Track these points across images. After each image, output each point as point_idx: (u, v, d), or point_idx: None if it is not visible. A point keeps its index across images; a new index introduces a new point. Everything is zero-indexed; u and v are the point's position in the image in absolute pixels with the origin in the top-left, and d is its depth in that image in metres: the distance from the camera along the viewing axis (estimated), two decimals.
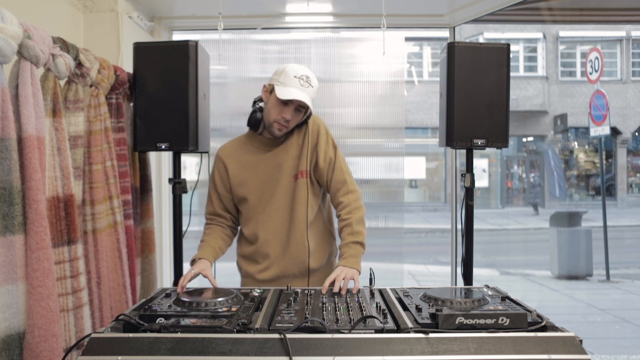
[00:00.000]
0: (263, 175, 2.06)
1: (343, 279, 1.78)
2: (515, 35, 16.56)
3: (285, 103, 1.95)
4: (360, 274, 1.88)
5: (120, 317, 1.37)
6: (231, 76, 3.46)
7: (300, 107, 1.97)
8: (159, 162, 3.25)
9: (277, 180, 2.05)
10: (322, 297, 1.63)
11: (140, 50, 2.28)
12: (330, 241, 2.15)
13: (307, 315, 1.40)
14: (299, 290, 1.71)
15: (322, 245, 2.10)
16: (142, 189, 2.47)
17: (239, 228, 2.20)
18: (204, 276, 1.93)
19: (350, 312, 1.46)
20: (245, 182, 2.07)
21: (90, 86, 2.03)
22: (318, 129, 2.06)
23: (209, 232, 2.11)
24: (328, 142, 2.06)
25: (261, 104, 2.06)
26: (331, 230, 2.17)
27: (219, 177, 2.11)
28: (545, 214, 14.56)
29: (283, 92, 1.93)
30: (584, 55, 16.50)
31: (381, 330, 1.29)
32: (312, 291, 1.72)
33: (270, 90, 2.01)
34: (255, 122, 2.04)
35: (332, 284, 1.77)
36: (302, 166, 2.04)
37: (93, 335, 1.24)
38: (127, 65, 2.47)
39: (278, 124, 1.99)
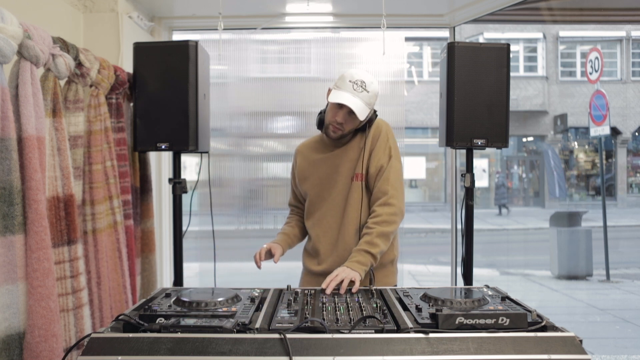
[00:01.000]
0: (322, 174, 2.13)
1: (343, 278, 1.78)
2: (515, 35, 16.56)
3: (339, 106, 2.01)
4: (362, 278, 1.87)
5: (120, 317, 1.37)
6: (231, 76, 3.46)
7: (354, 111, 1.98)
8: (159, 162, 3.25)
9: (335, 181, 2.11)
10: (322, 297, 1.63)
11: (140, 50, 2.28)
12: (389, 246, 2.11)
13: (307, 315, 1.40)
14: (299, 290, 1.71)
15: None
16: (142, 189, 2.47)
17: None
18: (272, 254, 2.06)
19: (350, 312, 1.46)
20: (308, 178, 2.17)
21: (90, 86, 2.03)
22: (379, 134, 2.09)
23: (288, 221, 2.28)
24: (385, 150, 2.08)
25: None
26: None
27: (292, 171, 2.27)
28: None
29: (333, 96, 2.00)
30: (584, 55, 16.50)
31: (381, 330, 1.29)
32: (312, 291, 1.72)
33: (329, 93, 2.07)
34: (320, 122, 2.13)
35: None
36: (359, 169, 2.08)
37: (93, 335, 1.24)
38: (127, 65, 2.47)
39: (332, 127, 2.05)
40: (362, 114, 1.99)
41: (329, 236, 2.11)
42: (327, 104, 2.11)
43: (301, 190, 2.21)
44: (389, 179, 2.04)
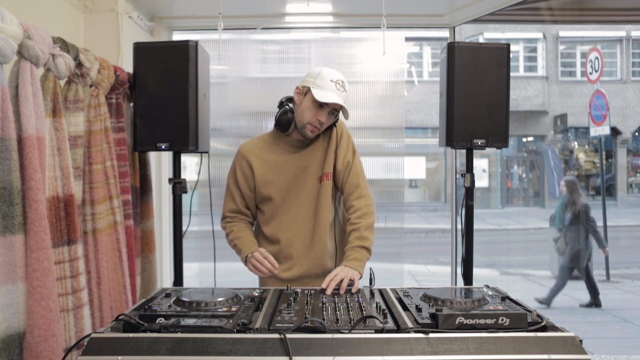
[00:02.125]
0: (289, 176, 2.09)
1: (342, 278, 1.78)
2: (515, 35, 16.55)
3: (321, 105, 1.99)
4: (361, 277, 1.88)
5: (120, 317, 1.37)
6: (231, 76, 3.46)
7: (334, 110, 2.01)
8: (159, 162, 3.25)
9: (303, 182, 2.08)
10: (322, 297, 1.63)
11: (140, 50, 2.28)
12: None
13: (307, 315, 1.40)
14: (299, 290, 1.71)
15: (343, 246, 2.11)
16: (142, 189, 2.47)
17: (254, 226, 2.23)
18: (263, 257, 2.00)
19: (350, 312, 1.46)
20: (271, 181, 2.09)
21: (90, 86, 2.03)
22: (342, 133, 2.11)
23: (239, 229, 2.11)
24: (348, 146, 2.10)
25: (291, 105, 2.08)
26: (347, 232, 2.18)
27: (241, 175, 2.12)
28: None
29: (321, 95, 1.96)
30: (584, 55, 16.49)
31: (381, 330, 1.29)
32: (312, 291, 1.71)
33: (304, 92, 2.04)
34: (286, 123, 2.06)
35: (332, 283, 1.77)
36: (328, 168, 2.08)
37: (93, 335, 1.24)
38: (127, 65, 2.47)
39: (312, 126, 2.02)
40: (347, 112, 2.03)
41: (302, 239, 2.07)
42: (282, 103, 2.09)
43: (261, 195, 2.09)
44: (358, 172, 2.09)
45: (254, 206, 2.16)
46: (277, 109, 2.12)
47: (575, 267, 6.05)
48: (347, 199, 2.08)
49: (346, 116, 2.04)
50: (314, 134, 2.05)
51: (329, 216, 2.07)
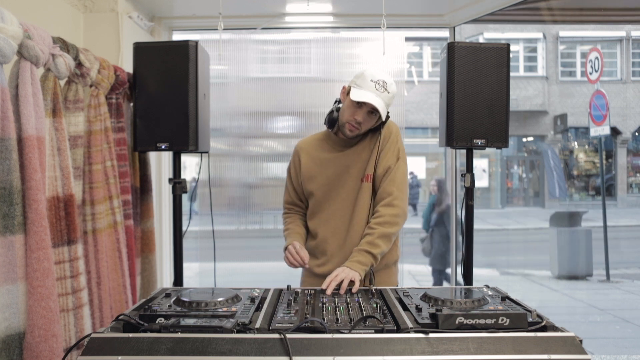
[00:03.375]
0: (331, 174, 2.10)
1: (343, 278, 1.78)
2: (515, 35, 16.55)
3: (359, 105, 1.98)
4: (361, 278, 1.87)
5: (120, 317, 1.37)
6: (231, 76, 3.46)
7: (374, 111, 1.98)
8: (159, 162, 3.25)
9: (344, 181, 2.09)
10: (322, 297, 1.63)
11: (140, 50, 2.28)
12: (391, 247, 2.09)
13: (307, 315, 1.40)
14: (299, 290, 1.71)
15: None
16: (142, 189, 2.47)
17: None
18: (296, 251, 2.01)
19: (350, 312, 1.46)
20: (314, 177, 2.12)
21: (90, 86, 2.03)
22: (389, 135, 2.08)
23: (290, 220, 2.20)
24: (394, 151, 2.07)
25: (339, 105, 2.09)
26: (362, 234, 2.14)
27: (293, 169, 2.19)
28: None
29: (356, 94, 1.97)
30: (584, 55, 16.49)
31: (381, 330, 1.29)
32: (312, 291, 1.72)
33: (347, 91, 2.04)
34: (331, 121, 2.09)
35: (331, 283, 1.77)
36: (370, 170, 2.06)
37: (93, 335, 1.24)
38: (127, 65, 2.47)
39: (349, 125, 2.02)
40: (384, 114, 2.00)
41: (337, 237, 2.08)
42: (337, 101, 2.09)
43: (306, 190, 2.16)
44: (395, 180, 2.04)
45: (305, 199, 2.20)
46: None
47: (444, 268, 5.80)
48: (377, 204, 2.06)
49: (383, 118, 2.00)
50: (352, 133, 2.04)
51: (365, 218, 2.05)
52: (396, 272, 2.15)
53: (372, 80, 1.98)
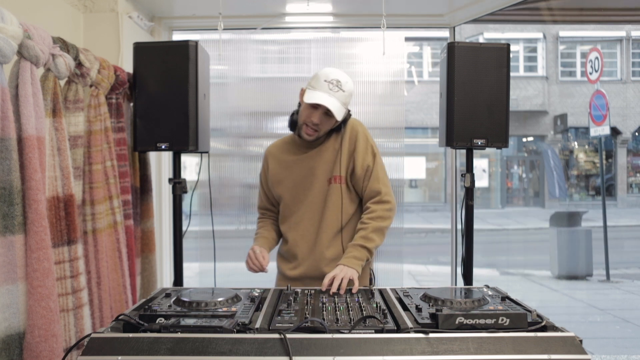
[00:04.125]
0: (297, 177, 2.09)
1: (342, 278, 1.78)
2: (515, 35, 16.56)
3: (314, 107, 1.96)
4: (359, 274, 1.87)
5: (120, 317, 1.37)
6: (231, 76, 3.46)
7: (331, 112, 1.95)
8: (159, 162, 3.25)
9: (311, 183, 2.07)
10: (322, 297, 1.63)
11: (140, 50, 2.28)
12: None
13: (307, 315, 1.40)
14: (299, 290, 1.71)
15: None
16: (142, 189, 2.47)
17: None
18: (255, 256, 2.00)
19: (350, 312, 1.46)
20: (281, 181, 2.12)
21: (90, 86, 2.03)
22: (356, 134, 2.06)
23: (262, 225, 2.21)
24: (367, 149, 2.05)
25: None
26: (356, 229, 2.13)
27: (263, 174, 2.21)
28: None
29: (309, 96, 1.95)
30: (584, 55, 16.50)
31: (381, 330, 1.29)
32: (312, 291, 1.72)
33: (304, 93, 2.02)
34: (292, 124, 2.09)
35: (331, 283, 1.77)
36: (337, 171, 2.04)
37: (93, 335, 1.24)
38: (127, 65, 2.47)
39: (307, 128, 2.00)
40: (339, 114, 1.96)
41: (307, 240, 2.07)
42: (300, 104, 2.07)
43: (275, 194, 2.16)
44: (379, 177, 2.05)
45: (277, 203, 2.19)
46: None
47: None
48: (366, 202, 2.06)
49: (338, 118, 1.97)
50: (311, 136, 2.02)
51: (336, 219, 2.04)
52: (368, 273, 2.07)
53: (325, 81, 1.96)
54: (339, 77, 1.99)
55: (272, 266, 2.13)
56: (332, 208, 2.04)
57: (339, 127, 2.05)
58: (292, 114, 2.10)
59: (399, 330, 1.30)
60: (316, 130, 2.00)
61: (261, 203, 2.24)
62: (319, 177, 2.06)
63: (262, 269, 2.00)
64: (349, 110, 2.07)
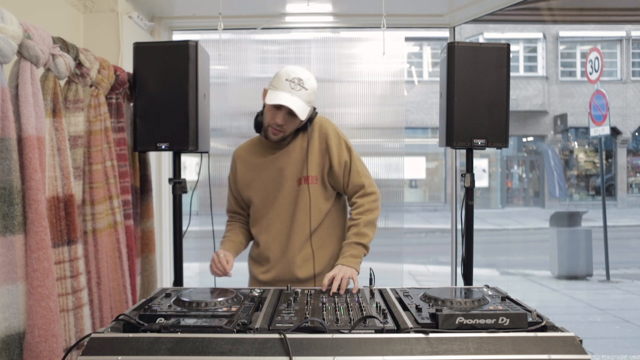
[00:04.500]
0: (266, 179, 2.06)
1: (342, 278, 1.78)
2: (515, 35, 16.56)
3: (277, 107, 1.92)
4: (358, 274, 1.87)
5: (120, 317, 1.37)
6: (231, 76, 3.46)
7: (294, 112, 1.91)
8: (159, 162, 3.25)
9: (280, 185, 2.03)
10: (322, 297, 1.63)
11: (140, 50, 2.28)
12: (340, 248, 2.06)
13: (307, 315, 1.40)
14: (299, 290, 1.71)
15: (326, 253, 2.05)
16: (142, 189, 2.47)
17: None
18: (219, 260, 1.96)
19: (350, 312, 1.46)
20: (250, 184, 2.09)
21: (90, 86, 2.03)
22: (326, 132, 2.01)
23: (230, 229, 2.18)
24: (341, 145, 2.02)
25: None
26: (343, 237, 2.11)
27: (232, 176, 2.17)
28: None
29: (270, 97, 1.92)
30: (584, 55, 16.50)
31: (381, 330, 1.29)
32: (312, 291, 1.72)
33: (265, 94, 1.99)
34: (257, 125, 2.06)
35: (331, 283, 1.77)
36: (307, 171, 2.00)
37: (93, 335, 1.24)
38: (127, 65, 2.47)
39: (272, 129, 1.97)
40: (302, 114, 1.91)
41: (278, 243, 2.04)
42: (264, 106, 2.03)
43: (244, 197, 2.12)
44: (359, 171, 2.03)
45: (247, 207, 2.16)
46: None
47: None
48: (350, 197, 2.05)
49: (302, 117, 1.92)
50: (276, 136, 1.98)
51: (307, 221, 2.00)
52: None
53: (286, 80, 1.92)
54: (301, 75, 1.93)
55: (241, 268, 2.13)
56: (303, 209, 2.00)
57: (306, 126, 2.01)
58: (257, 116, 2.07)
59: (399, 330, 1.30)
60: (281, 131, 1.97)
61: (230, 206, 2.21)
62: (287, 178, 2.02)
63: (225, 274, 1.97)
64: (314, 108, 2.02)
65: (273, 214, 2.05)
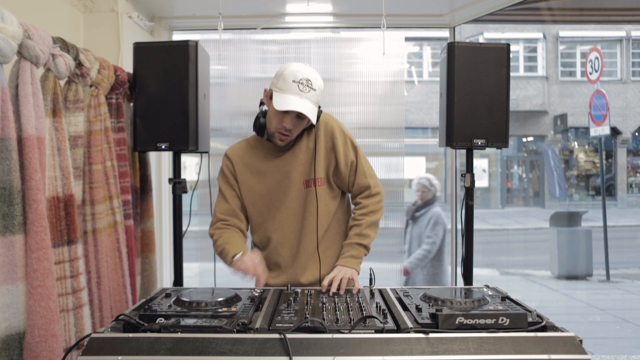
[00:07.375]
0: (271, 183, 1.97)
1: (342, 278, 1.78)
2: (515, 35, 16.55)
3: (285, 112, 1.82)
4: (358, 274, 1.87)
5: (120, 317, 1.37)
6: (231, 76, 3.46)
7: (303, 115, 1.82)
8: (159, 162, 3.25)
9: (287, 188, 1.96)
10: (322, 297, 1.63)
11: (140, 50, 2.28)
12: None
13: (307, 315, 1.40)
14: (299, 290, 1.71)
15: (333, 253, 2.01)
16: (142, 189, 2.47)
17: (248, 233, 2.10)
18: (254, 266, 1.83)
19: (350, 312, 1.46)
20: (253, 188, 1.99)
21: (90, 86, 2.03)
22: (332, 131, 1.94)
23: (229, 235, 1.96)
24: (347, 144, 1.96)
25: (265, 108, 1.93)
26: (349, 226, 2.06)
27: (231, 177, 2.01)
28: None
29: (279, 102, 1.80)
30: (584, 55, 16.50)
31: (381, 330, 1.29)
32: (312, 291, 1.71)
33: (270, 95, 1.88)
34: (260, 128, 1.94)
35: (331, 284, 1.77)
36: (313, 173, 1.93)
37: (93, 335, 1.24)
38: (127, 65, 2.47)
39: (279, 134, 1.88)
40: (313, 117, 1.82)
41: (288, 247, 1.97)
42: (262, 102, 1.95)
43: (246, 201, 2.00)
44: (365, 171, 1.99)
45: (245, 210, 2.04)
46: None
47: None
48: (355, 197, 2.02)
49: (313, 120, 1.84)
50: (284, 142, 1.90)
51: (317, 224, 1.94)
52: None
53: (294, 81, 1.80)
54: (308, 75, 1.83)
55: None
56: (313, 212, 1.94)
57: (311, 125, 1.93)
58: (258, 117, 1.93)
59: (399, 330, 1.30)
60: (288, 136, 1.88)
61: (227, 207, 2.00)
62: (294, 181, 1.95)
63: (258, 281, 1.85)
64: (319, 107, 1.93)
65: (280, 219, 1.97)
